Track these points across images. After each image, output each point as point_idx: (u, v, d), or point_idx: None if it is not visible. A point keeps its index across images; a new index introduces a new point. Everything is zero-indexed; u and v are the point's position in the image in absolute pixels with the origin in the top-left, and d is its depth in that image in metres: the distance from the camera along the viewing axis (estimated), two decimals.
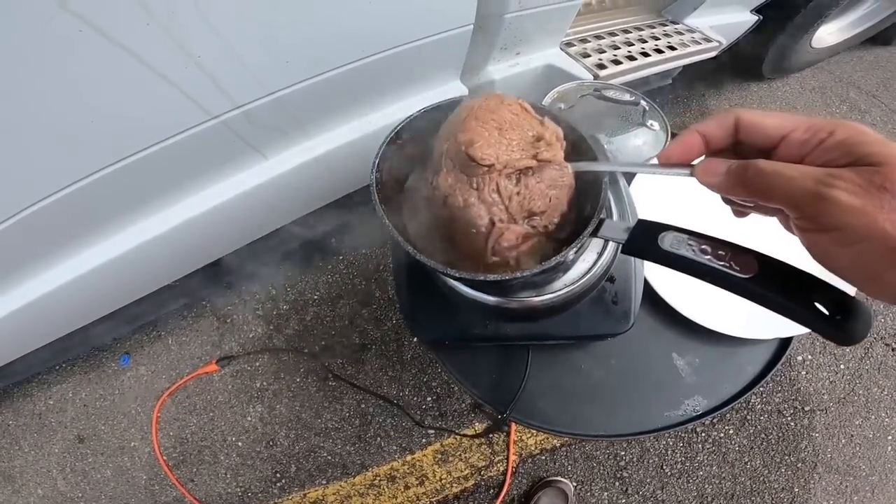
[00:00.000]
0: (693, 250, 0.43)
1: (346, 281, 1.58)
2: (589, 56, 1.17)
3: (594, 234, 0.50)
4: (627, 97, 0.82)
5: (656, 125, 0.85)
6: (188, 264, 1.08)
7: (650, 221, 0.47)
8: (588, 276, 0.62)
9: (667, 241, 0.45)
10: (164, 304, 1.33)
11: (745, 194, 0.34)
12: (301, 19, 0.66)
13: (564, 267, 0.64)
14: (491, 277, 0.50)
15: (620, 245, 0.47)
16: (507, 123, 0.47)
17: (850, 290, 0.72)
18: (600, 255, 0.63)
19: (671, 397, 0.73)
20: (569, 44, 1.20)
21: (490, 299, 0.65)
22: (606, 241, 0.64)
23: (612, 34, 1.34)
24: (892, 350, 1.54)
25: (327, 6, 0.67)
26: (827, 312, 0.40)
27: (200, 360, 1.45)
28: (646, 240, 0.46)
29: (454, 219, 0.51)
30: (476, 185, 0.47)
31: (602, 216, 0.51)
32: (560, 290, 0.63)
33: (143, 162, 0.70)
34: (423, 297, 0.71)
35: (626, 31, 1.38)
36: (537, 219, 0.50)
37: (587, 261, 0.63)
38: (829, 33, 2.06)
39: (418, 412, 1.40)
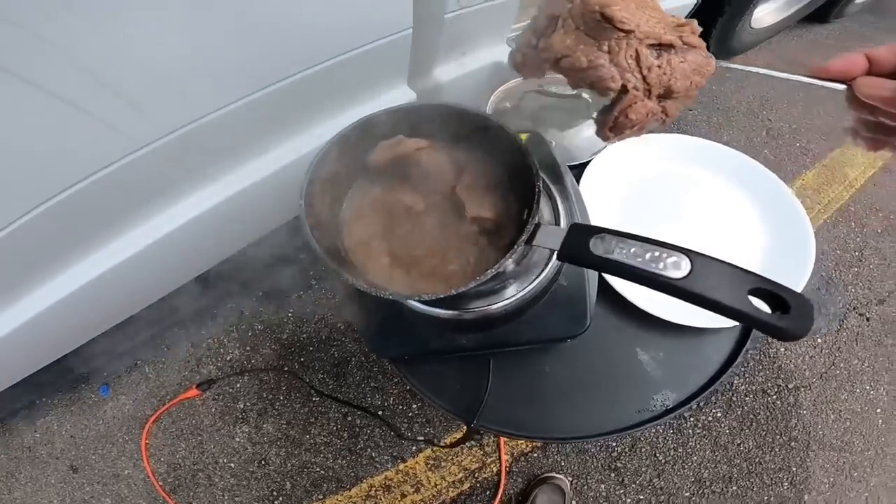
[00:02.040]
0: (625, 253, 0.42)
1: (318, 296, 1.57)
2: None
3: (529, 241, 0.48)
4: (570, 90, 0.81)
5: None
6: (147, 295, 1.05)
7: (583, 225, 0.46)
8: (539, 279, 0.61)
9: (600, 246, 0.43)
10: (135, 335, 1.33)
11: None
12: (227, 41, 0.64)
13: (515, 273, 0.62)
14: (425, 297, 0.48)
15: (554, 252, 0.46)
16: (646, 1, 0.43)
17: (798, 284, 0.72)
18: (550, 257, 0.62)
19: (640, 394, 0.72)
20: (514, 39, 1.17)
21: (444, 312, 0.63)
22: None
23: None
24: (867, 320, 1.54)
25: (252, 28, 0.65)
26: (768, 309, 0.39)
27: (180, 385, 1.43)
28: (578, 246, 0.44)
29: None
30: (608, 48, 0.42)
31: (538, 221, 0.49)
32: (512, 296, 0.61)
33: (81, 196, 0.68)
34: (378, 315, 0.69)
35: None
36: (670, 103, 0.45)
37: (538, 264, 0.62)
38: (766, 13, 2.11)
39: (404, 420, 1.39)
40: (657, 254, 0.41)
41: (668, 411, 0.72)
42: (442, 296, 0.47)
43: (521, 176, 0.54)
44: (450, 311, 0.63)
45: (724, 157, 0.85)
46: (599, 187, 0.82)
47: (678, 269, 0.40)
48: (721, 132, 2.02)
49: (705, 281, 0.40)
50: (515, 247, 0.47)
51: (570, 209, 0.66)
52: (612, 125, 0.46)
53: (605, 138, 0.47)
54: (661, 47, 0.42)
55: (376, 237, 0.59)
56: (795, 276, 0.72)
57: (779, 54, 2.36)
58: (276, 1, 0.64)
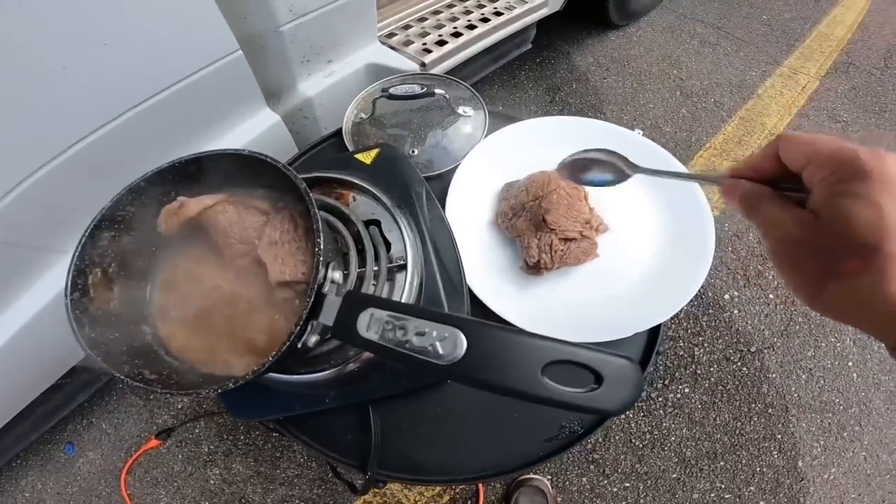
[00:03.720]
0: (390, 334, 0.34)
1: None
2: (412, 43, 1.04)
3: (314, 317, 0.40)
4: (418, 89, 0.71)
5: (469, 110, 0.74)
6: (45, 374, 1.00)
7: (357, 295, 0.38)
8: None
9: (366, 323, 0.35)
10: (71, 398, 1.30)
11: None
12: None
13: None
14: (205, 391, 0.41)
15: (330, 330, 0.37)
16: (573, 203, 0.67)
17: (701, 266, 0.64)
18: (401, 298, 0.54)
19: (546, 422, 0.65)
20: (389, 34, 1.07)
21: (294, 378, 0.56)
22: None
23: (436, 13, 1.22)
24: None
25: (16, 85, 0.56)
26: (574, 387, 0.32)
27: (140, 437, 1.42)
28: (347, 324, 0.36)
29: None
30: (539, 236, 0.65)
31: (324, 291, 0.40)
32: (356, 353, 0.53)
33: None
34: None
35: (450, 6, 1.26)
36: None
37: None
38: None
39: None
40: (427, 331, 0.33)
41: (580, 436, 0.64)
42: (245, 380, 0.39)
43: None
44: (301, 376, 0.56)
45: (606, 133, 0.76)
46: (473, 185, 0.74)
47: (452, 349, 0.32)
48: (637, 97, 1.99)
49: (487, 361, 0.32)
50: (295, 329, 0.39)
51: (419, 238, 0.58)
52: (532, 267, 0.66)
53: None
54: (569, 240, 0.65)
55: (189, 318, 0.51)
56: (695, 260, 0.66)
57: (679, 13, 2.43)
58: (28, 57, 0.55)
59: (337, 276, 0.44)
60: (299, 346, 0.41)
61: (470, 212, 0.72)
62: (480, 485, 1.28)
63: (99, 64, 0.60)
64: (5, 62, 0.54)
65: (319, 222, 0.42)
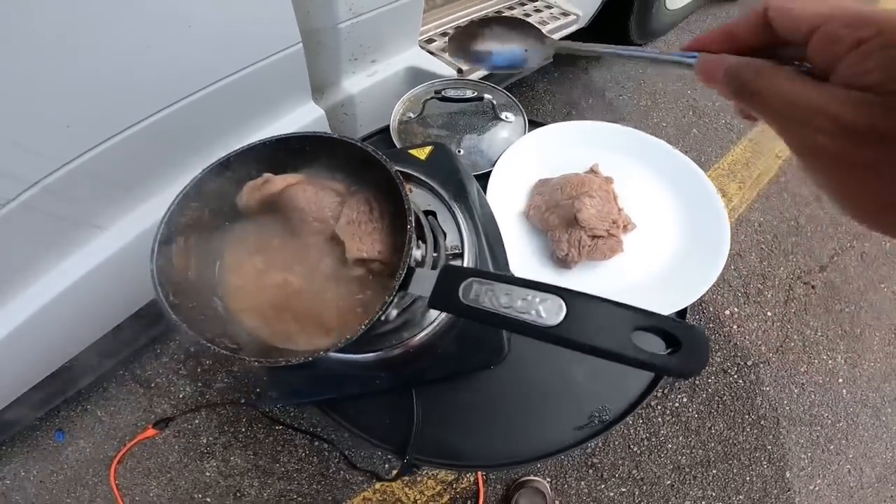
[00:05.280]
0: (493, 300, 0.37)
1: None
2: None
3: (404, 288, 0.43)
4: (469, 93, 0.75)
5: (511, 116, 0.79)
6: (81, 339, 0.99)
7: (455, 268, 0.41)
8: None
9: (469, 292, 0.39)
10: (75, 382, 1.27)
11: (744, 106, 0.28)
12: (67, 80, 0.57)
13: (420, 308, 0.57)
14: (294, 361, 0.43)
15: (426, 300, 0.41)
16: (604, 206, 0.71)
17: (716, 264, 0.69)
18: None
19: (577, 410, 0.68)
20: (429, 40, 1.12)
21: (352, 357, 0.58)
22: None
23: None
24: (812, 288, 1.54)
25: (90, 62, 0.58)
26: (658, 348, 0.35)
27: (136, 426, 1.38)
28: (448, 293, 0.39)
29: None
30: (569, 233, 0.70)
31: (412, 264, 0.44)
32: (419, 332, 0.56)
33: None
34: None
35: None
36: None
37: None
38: None
39: (367, 443, 1.36)
40: (529, 298, 0.36)
41: (609, 424, 0.68)
42: (324, 353, 0.42)
43: (398, 209, 0.49)
44: (357, 355, 0.58)
45: (632, 139, 0.82)
46: (510, 179, 0.78)
47: (553, 313, 0.36)
48: (650, 115, 2.04)
49: (584, 325, 0.36)
50: (388, 300, 0.42)
51: (474, 229, 0.62)
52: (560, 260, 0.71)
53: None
54: (597, 237, 0.69)
55: (259, 293, 0.53)
56: (712, 256, 0.70)
57: (696, 34, 2.48)
58: (119, 35, 0.57)
59: (418, 254, 0.48)
60: (382, 317, 0.44)
61: (504, 203, 0.76)
62: (481, 484, 1.29)
63: (180, 45, 0.62)
64: (98, 31, 0.56)
65: (410, 203, 0.45)
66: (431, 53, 1.06)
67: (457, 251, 0.60)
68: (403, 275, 0.42)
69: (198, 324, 0.47)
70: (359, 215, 0.52)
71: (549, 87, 2.17)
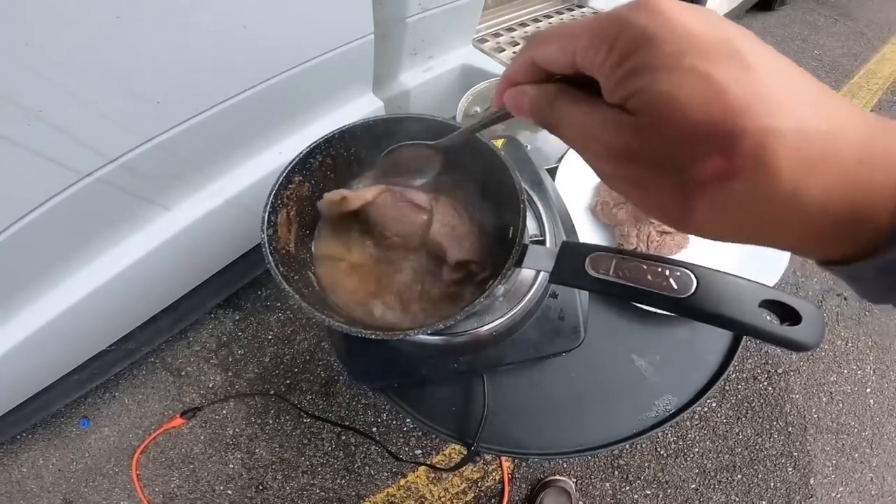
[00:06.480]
0: (624, 273, 0.38)
1: (298, 316, 1.51)
2: (504, 50, 1.12)
3: (518, 264, 0.44)
4: None
5: None
6: (108, 334, 1.00)
7: (576, 244, 0.42)
8: (528, 297, 0.57)
9: (599, 265, 0.40)
10: (108, 367, 1.25)
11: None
12: (161, 57, 0.58)
13: (503, 292, 0.58)
14: (413, 333, 0.44)
15: (548, 275, 0.42)
16: None
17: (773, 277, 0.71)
18: (538, 273, 0.58)
19: (640, 400, 0.70)
20: (481, 40, 1.15)
21: (432, 339, 0.59)
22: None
23: (523, 25, 1.31)
24: (845, 300, 1.56)
25: (190, 39, 0.59)
26: (777, 321, 0.36)
27: (163, 415, 1.38)
28: (573, 267, 0.40)
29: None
30: (638, 228, 0.73)
31: (525, 242, 0.45)
32: (502, 317, 0.57)
33: (15, 238, 0.61)
34: (357, 342, 0.65)
35: (535, 21, 1.35)
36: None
37: (525, 281, 0.58)
38: (716, 4, 2.19)
39: (400, 436, 1.36)
40: (660, 270, 0.37)
41: (671, 416, 0.69)
42: (432, 329, 0.43)
43: (499, 194, 0.50)
44: (438, 337, 0.59)
45: None
46: (576, 175, 0.80)
47: (684, 285, 0.37)
48: None
49: (715, 296, 0.37)
50: (505, 269, 0.43)
51: (553, 217, 0.63)
52: None
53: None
54: (665, 233, 0.72)
55: (350, 276, 0.54)
56: (776, 253, 0.73)
57: None
58: (220, 14, 0.58)
59: (532, 230, 0.49)
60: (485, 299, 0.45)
61: (571, 198, 0.78)
62: (506, 482, 1.29)
63: (271, 26, 0.64)
64: (203, 8, 0.57)
65: (520, 182, 0.47)
66: (485, 52, 1.08)
67: (538, 238, 0.61)
68: (519, 250, 0.43)
69: (305, 297, 0.48)
70: (451, 219, 0.55)
71: None
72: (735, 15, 2.38)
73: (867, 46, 2.56)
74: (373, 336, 0.43)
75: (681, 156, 0.18)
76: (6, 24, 0.46)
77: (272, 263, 0.47)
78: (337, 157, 0.54)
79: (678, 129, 0.18)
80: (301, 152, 0.51)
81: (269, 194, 0.49)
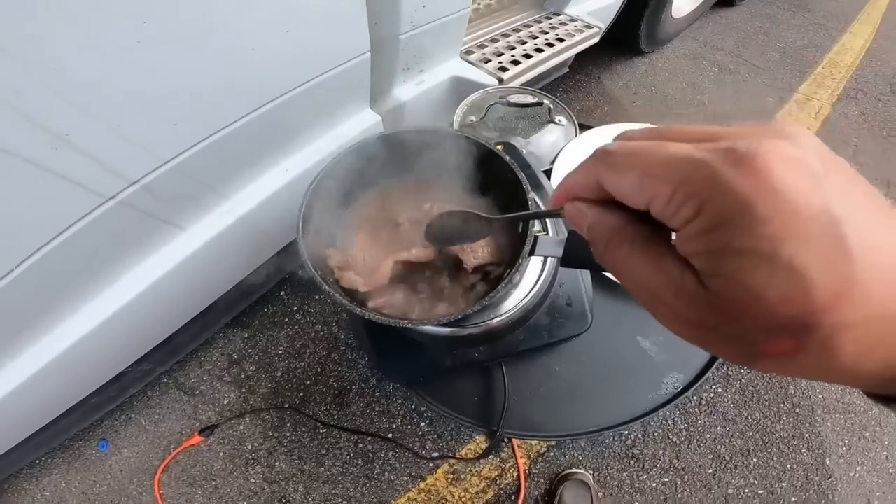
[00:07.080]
0: None
1: (306, 330, 1.53)
2: (489, 61, 1.16)
3: (531, 253, 0.48)
4: (531, 99, 0.83)
5: (563, 119, 0.86)
6: (129, 355, 1.02)
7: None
8: (537, 286, 0.61)
9: None
10: (125, 389, 1.28)
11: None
12: (178, 80, 0.62)
13: (514, 284, 0.62)
14: (444, 319, 0.47)
15: (558, 260, 0.45)
16: None
17: None
18: (545, 264, 0.62)
19: (649, 379, 0.73)
20: (468, 52, 1.20)
21: (451, 331, 0.62)
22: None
23: (505, 35, 1.36)
24: None
25: (205, 62, 0.63)
26: None
27: (181, 434, 1.39)
28: (580, 251, 0.44)
29: None
30: None
31: (536, 233, 0.49)
32: (513, 307, 0.61)
33: (42, 262, 0.64)
34: (385, 342, 0.69)
35: (516, 31, 1.41)
36: None
37: (532, 273, 0.62)
38: (684, 2, 2.31)
39: (416, 439, 1.37)
40: None
41: (679, 393, 0.72)
42: (455, 318, 0.46)
43: (503, 192, 0.54)
44: (457, 329, 0.62)
45: None
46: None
47: None
48: (664, 119, 2.09)
49: None
50: (520, 258, 0.47)
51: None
52: None
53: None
54: None
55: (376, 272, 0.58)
56: None
57: (701, 41, 2.56)
58: (232, 37, 0.62)
59: (537, 227, 0.53)
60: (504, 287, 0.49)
61: None
62: (522, 479, 1.29)
63: (277, 48, 0.67)
64: (216, 32, 0.61)
65: (527, 183, 0.51)
66: (472, 64, 1.13)
67: (541, 234, 0.65)
68: (533, 241, 0.47)
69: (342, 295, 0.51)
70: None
71: (565, 95, 2.24)
72: (702, 12, 2.48)
73: (827, 37, 2.64)
74: (407, 325, 0.47)
75: (753, 336, 0.18)
76: (38, 48, 0.49)
77: (310, 267, 0.50)
78: (359, 169, 0.58)
79: (758, 319, 0.18)
80: (333, 159, 0.55)
81: (303, 202, 0.53)
